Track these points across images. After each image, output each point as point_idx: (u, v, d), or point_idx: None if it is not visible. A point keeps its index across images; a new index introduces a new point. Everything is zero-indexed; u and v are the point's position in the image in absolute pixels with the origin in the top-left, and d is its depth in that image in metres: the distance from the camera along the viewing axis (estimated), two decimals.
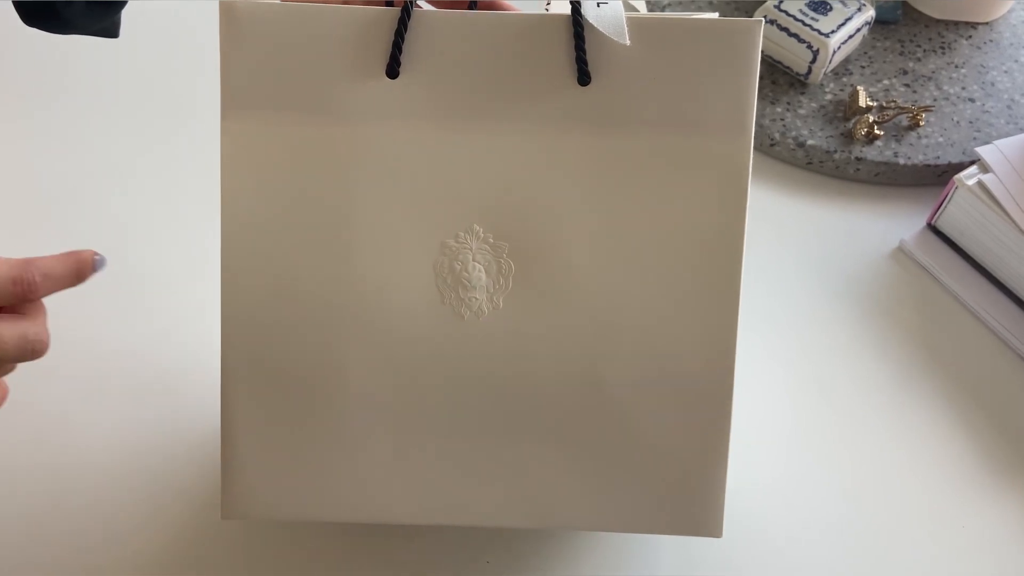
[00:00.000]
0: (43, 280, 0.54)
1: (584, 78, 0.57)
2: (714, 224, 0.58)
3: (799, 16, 0.95)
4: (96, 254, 0.57)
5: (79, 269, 0.56)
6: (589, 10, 0.56)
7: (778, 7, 0.97)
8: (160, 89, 1.00)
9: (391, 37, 0.57)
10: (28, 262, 0.54)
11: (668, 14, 0.60)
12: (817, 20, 0.95)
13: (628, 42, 0.55)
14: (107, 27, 0.74)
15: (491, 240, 0.59)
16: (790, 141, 0.94)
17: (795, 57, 0.96)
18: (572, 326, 0.60)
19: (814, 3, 0.96)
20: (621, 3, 0.56)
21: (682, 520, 0.63)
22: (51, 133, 0.97)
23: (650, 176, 0.58)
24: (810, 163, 0.95)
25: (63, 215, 0.90)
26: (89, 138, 0.96)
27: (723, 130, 0.57)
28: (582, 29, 0.56)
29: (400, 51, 0.57)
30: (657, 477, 0.62)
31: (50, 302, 0.81)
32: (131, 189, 0.92)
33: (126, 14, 0.75)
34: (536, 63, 0.57)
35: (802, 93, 0.98)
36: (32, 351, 0.54)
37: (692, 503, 0.62)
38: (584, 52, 0.56)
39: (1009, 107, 0.96)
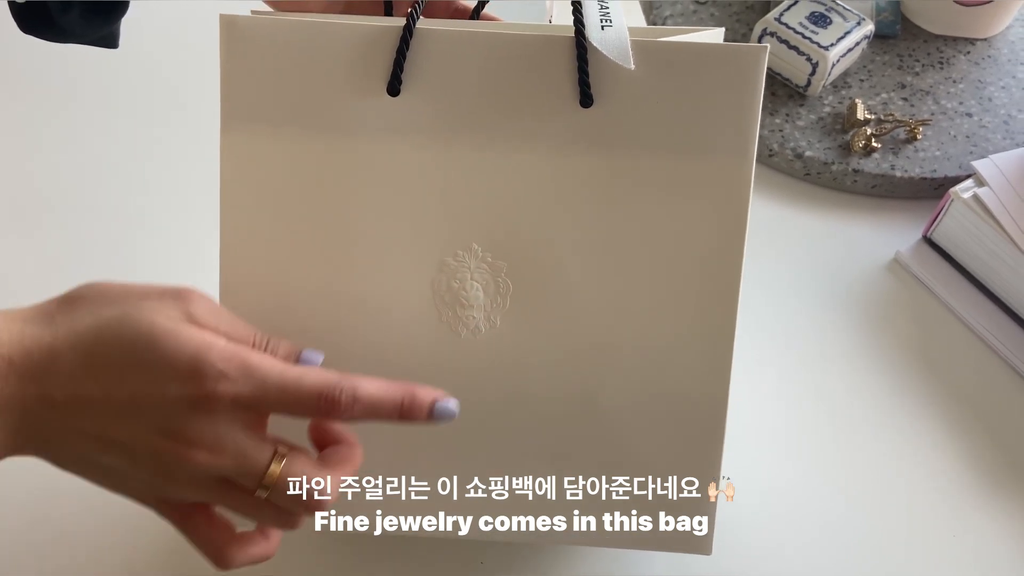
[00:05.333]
0: (353, 403, 0.47)
1: (587, 100, 0.54)
2: (713, 247, 0.56)
3: (799, 29, 0.93)
4: (441, 399, 0.50)
5: (408, 407, 0.49)
6: (593, 32, 0.52)
7: (778, 20, 0.94)
8: (164, 92, 0.98)
9: (393, 54, 0.54)
10: (343, 378, 0.47)
11: (672, 36, 0.56)
12: (817, 33, 0.93)
13: (632, 67, 0.52)
14: (106, 37, 0.72)
15: (489, 259, 0.57)
16: (788, 152, 0.92)
17: (795, 69, 0.94)
18: (569, 345, 0.58)
19: (814, 16, 0.94)
20: (626, 26, 0.53)
21: (672, 537, 0.61)
22: (55, 135, 0.95)
23: (650, 198, 0.56)
24: (808, 174, 0.93)
25: (65, 216, 0.88)
26: (92, 140, 0.94)
27: (725, 154, 0.55)
28: (585, 51, 0.53)
29: (402, 69, 0.54)
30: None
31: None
32: (133, 191, 0.90)
33: (133, 19, 0.72)
34: (538, 83, 0.54)
35: (801, 105, 0.95)
36: (306, 502, 0.48)
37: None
38: (587, 74, 0.53)
39: (1006, 122, 0.94)
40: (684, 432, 0.59)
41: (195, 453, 0.46)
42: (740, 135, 0.54)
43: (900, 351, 0.81)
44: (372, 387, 0.48)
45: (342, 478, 0.50)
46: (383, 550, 0.69)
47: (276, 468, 0.47)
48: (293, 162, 0.56)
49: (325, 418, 0.49)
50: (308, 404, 0.47)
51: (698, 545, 0.61)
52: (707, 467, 0.59)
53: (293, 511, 0.49)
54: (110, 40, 0.73)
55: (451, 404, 0.50)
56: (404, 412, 0.49)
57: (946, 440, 0.76)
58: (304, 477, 0.47)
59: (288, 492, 0.47)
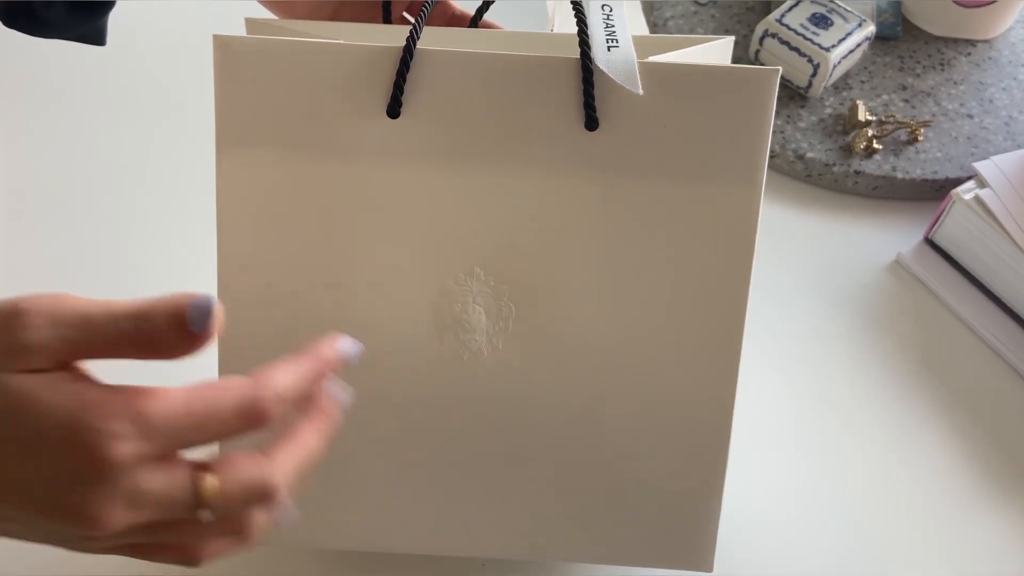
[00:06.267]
0: (276, 406, 0.40)
1: (592, 123, 0.52)
2: (720, 272, 0.55)
3: (800, 30, 0.92)
4: (341, 344, 0.44)
5: (317, 368, 0.43)
6: (599, 53, 0.50)
7: (780, 21, 0.93)
8: (163, 92, 0.97)
9: (392, 76, 0.52)
10: (257, 381, 0.40)
11: (682, 47, 0.55)
12: (818, 34, 0.91)
13: (640, 91, 0.50)
14: (90, 33, 0.69)
15: (492, 283, 0.55)
16: (789, 153, 0.90)
17: (796, 71, 0.93)
18: (571, 368, 0.56)
19: (815, 18, 0.92)
20: (632, 45, 0.51)
21: (674, 555, 0.60)
22: (57, 134, 0.93)
23: (655, 223, 0.54)
24: (809, 176, 0.91)
25: (65, 218, 0.87)
26: (91, 142, 0.93)
27: (733, 180, 0.53)
28: (591, 75, 0.51)
29: (402, 91, 0.52)
30: (651, 513, 0.59)
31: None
32: (134, 188, 0.89)
33: (132, 19, 0.70)
34: (542, 105, 0.53)
35: (802, 106, 0.94)
36: (254, 498, 0.40)
37: (684, 539, 0.60)
38: (592, 97, 0.51)
39: (1007, 124, 0.92)
40: (687, 451, 0.58)
41: (106, 523, 0.37)
42: (749, 160, 0.52)
43: (902, 353, 0.80)
44: (290, 377, 0.41)
45: (298, 458, 0.42)
46: (384, 559, 0.68)
47: (208, 485, 0.39)
48: (291, 186, 0.54)
49: (256, 431, 0.40)
50: (232, 427, 0.39)
51: (700, 563, 0.60)
52: (710, 483, 0.59)
53: (245, 517, 0.41)
54: (96, 36, 0.70)
55: (349, 344, 0.45)
56: (324, 377, 0.44)
57: (948, 442, 0.76)
58: (244, 476, 0.40)
59: (233, 500, 0.39)
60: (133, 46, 0.96)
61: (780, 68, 0.51)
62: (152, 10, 1.00)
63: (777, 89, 0.51)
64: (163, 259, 0.84)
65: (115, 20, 0.70)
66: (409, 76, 0.52)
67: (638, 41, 0.53)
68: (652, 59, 0.52)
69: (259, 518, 0.42)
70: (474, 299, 0.55)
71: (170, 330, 0.39)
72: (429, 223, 0.54)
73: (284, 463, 0.41)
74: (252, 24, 0.58)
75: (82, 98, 0.96)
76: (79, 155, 0.92)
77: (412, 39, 0.51)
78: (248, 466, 0.40)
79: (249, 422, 0.39)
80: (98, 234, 0.86)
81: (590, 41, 0.51)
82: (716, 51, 0.57)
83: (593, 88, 0.51)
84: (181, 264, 0.83)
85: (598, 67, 0.50)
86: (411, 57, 0.51)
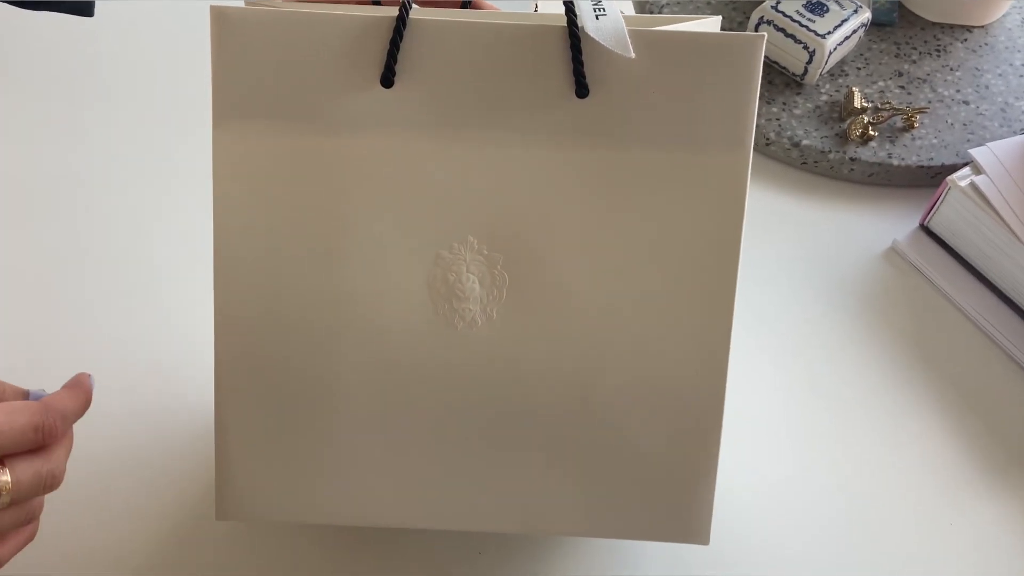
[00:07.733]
0: (63, 423, 0.50)
1: (582, 91, 0.53)
2: (710, 238, 0.55)
3: (796, 17, 0.92)
4: (88, 375, 0.55)
5: (87, 398, 0.54)
6: (588, 21, 0.51)
7: (775, 8, 0.93)
8: (160, 84, 0.97)
9: (386, 46, 0.53)
10: (46, 407, 0.50)
11: (669, 24, 0.55)
12: (814, 21, 0.92)
13: (632, 55, 0.51)
14: (79, 4, 0.69)
15: (485, 251, 0.55)
16: (785, 141, 0.91)
17: (791, 58, 0.93)
18: (565, 337, 0.57)
19: (811, 4, 0.93)
20: (620, 14, 0.51)
21: (670, 527, 0.60)
22: (53, 128, 0.93)
23: (646, 190, 0.54)
24: (805, 163, 0.91)
25: (64, 207, 0.87)
26: (90, 132, 0.93)
27: (722, 145, 0.53)
28: (579, 40, 0.52)
29: (395, 60, 0.52)
30: (646, 485, 0.59)
31: (49, 295, 0.77)
32: (130, 180, 0.89)
33: (130, 13, 0.71)
34: (534, 74, 0.53)
35: (798, 93, 0.94)
36: (45, 486, 0.50)
37: (680, 511, 0.60)
38: (582, 64, 0.52)
39: (1003, 110, 0.93)
40: (681, 421, 0.58)
41: None
42: (737, 126, 0.53)
43: (897, 339, 0.81)
44: (66, 402, 0.52)
45: (67, 453, 0.52)
46: (381, 541, 0.68)
47: (3, 479, 0.48)
48: (286, 156, 0.54)
49: (43, 446, 0.50)
50: (26, 438, 0.48)
51: (696, 535, 0.60)
52: (705, 455, 0.58)
53: (36, 504, 0.51)
54: (84, 8, 0.70)
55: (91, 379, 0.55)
56: (87, 402, 0.54)
57: (942, 427, 0.76)
58: (36, 466, 0.49)
59: (26, 488, 0.48)
60: (132, 39, 0.97)
61: (765, 34, 0.52)
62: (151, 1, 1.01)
63: (763, 54, 0.52)
64: (162, 249, 0.84)
65: (115, 12, 0.70)
66: (402, 46, 0.52)
67: (626, 19, 0.53)
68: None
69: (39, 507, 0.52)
70: (468, 268, 0.55)
71: None
72: (423, 192, 0.55)
73: (60, 456, 0.51)
74: (251, 6, 0.59)
75: (79, 93, 0.97)
76: (76, 150, 0.92)
77: (405, 8, 0.52)
78: (34, 458, 0.49)
79: (41, 436, 0.49)
80: (98, 229, 0.86)
81: (577, 10, 0.52)
82: (703, 28, 0.58)
83: (582, 55, 0.52)
84: (178, 247, 0.84)
85: (587, 35, 0.51)
86: (404, 26, 0.52)
